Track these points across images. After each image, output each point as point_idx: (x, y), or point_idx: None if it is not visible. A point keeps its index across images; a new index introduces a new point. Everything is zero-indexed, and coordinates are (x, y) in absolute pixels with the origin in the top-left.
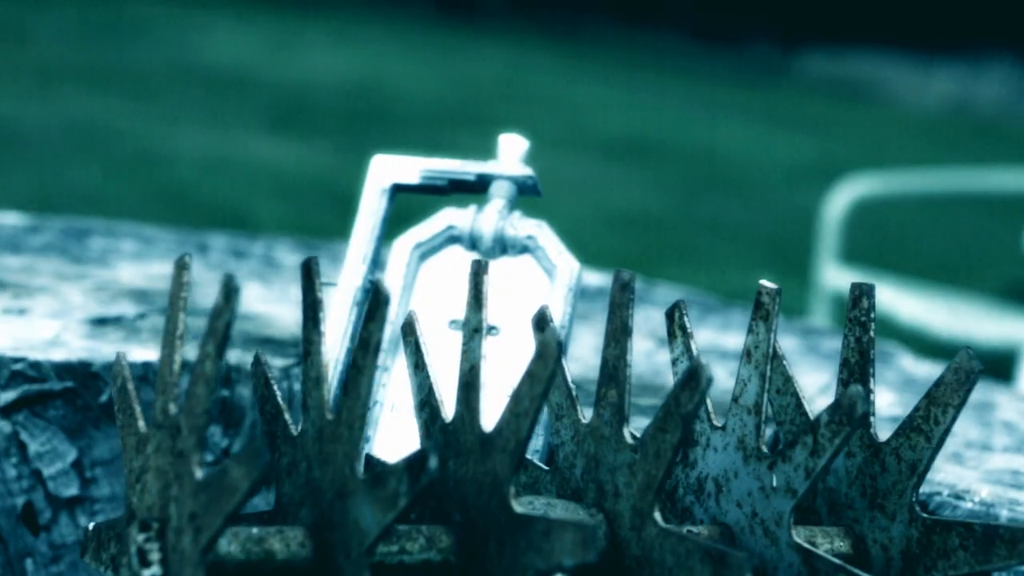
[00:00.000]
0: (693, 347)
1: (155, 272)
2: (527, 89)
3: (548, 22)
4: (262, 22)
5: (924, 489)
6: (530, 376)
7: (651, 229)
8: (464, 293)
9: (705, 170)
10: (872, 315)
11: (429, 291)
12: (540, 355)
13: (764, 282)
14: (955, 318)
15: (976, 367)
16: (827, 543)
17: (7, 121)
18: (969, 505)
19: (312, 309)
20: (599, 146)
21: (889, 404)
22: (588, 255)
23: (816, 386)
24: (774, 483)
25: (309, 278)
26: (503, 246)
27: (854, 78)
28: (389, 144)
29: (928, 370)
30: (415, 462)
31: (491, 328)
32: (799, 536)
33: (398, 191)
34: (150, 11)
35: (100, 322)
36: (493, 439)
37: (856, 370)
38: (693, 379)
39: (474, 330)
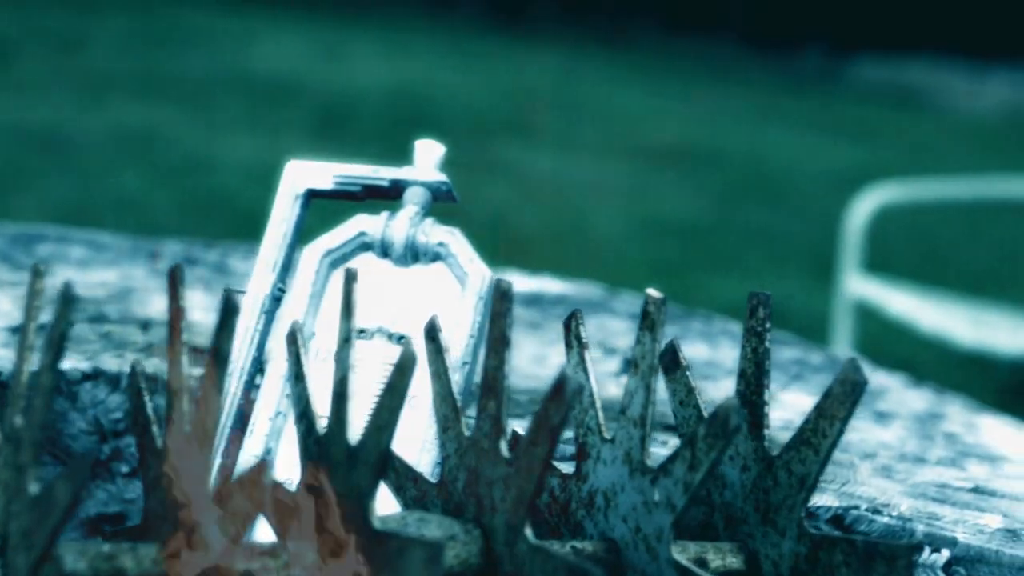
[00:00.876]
0: (587, 358)
1: (95, 280)
2: (575, 96)
3: (599, 29)
4: (311, 30)
5: (842, 503)
6: (390, 388)
7: (692, 237)
8: (374, 301)
9: (751, 178)
10: (767, 325)
11: (339, 299)
12: (399, 367)
13: (650, 291)
14: (978, 328)
15: (862, 379)
16: (719, 559)
17: (54, 128)
18: (886, 519)
19: (174, 319)
20: (645, 154)
21: None
22: (627, 263)
23: None
24: (656, 498)
25: (173, 286)
26: (415, 253)
27: (908, 84)
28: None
29: (881, 381)
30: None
31: (400, 337)
32: (686, 551)
33: (313, 197)
34: (201, 21)
35: (19, 330)
36: (358, 452)
37: (752, 381)
38: (559, 391)
39: (344, 340)
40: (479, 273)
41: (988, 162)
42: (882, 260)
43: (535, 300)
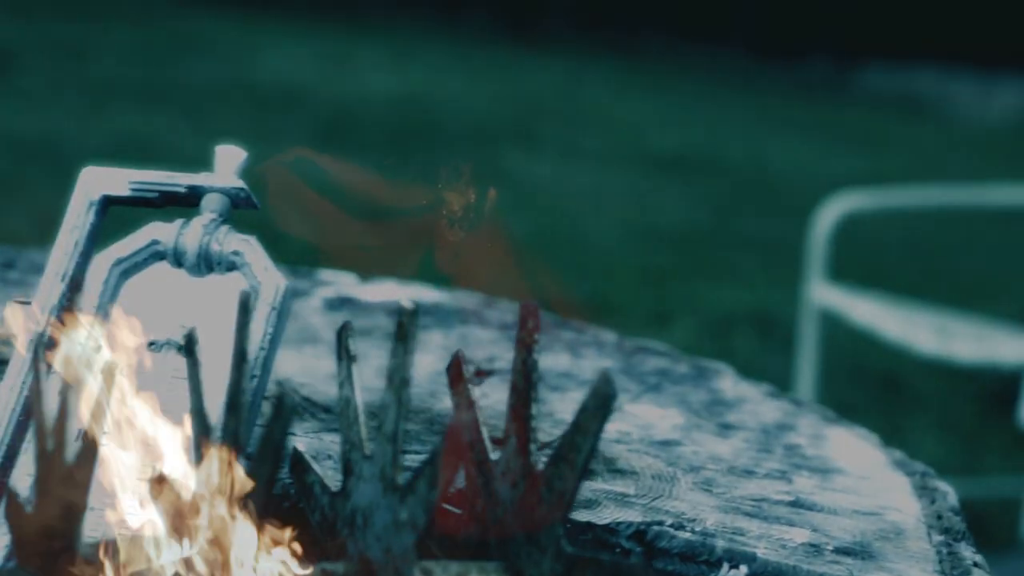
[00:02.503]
0: (355, 372)
1: None
2: (582, 106)
3: (610, 39)
4: (316, 39)
5: (647, 518)
6: (95, 404)
7: (686, 244)
8: (165, 312)
9: (753, 186)
10: (536, 336)
11: (130, 311)
12: (101, 382)
13: (403, 302)
14: (940, 337)
15: (612, 391)
16: None
17: (53, 137)
18: (687, 535)
19: None
20: (648, 162)
21: (673, 427)
22: (618, 270)
23: None
24: (403, 516)
25: None
26: (208, 262)
27: (915, 94)
28: (434, 161)
29: (744, 391)
30: None
31: None
32: (448, 571)
33: (110, 204)
34: (205, 29)
35: None
36: (72, 471)
37: (522, 395)
38: (279, 408)
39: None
40: (273, 282)
41: (994, 171)
42: (877, 268)
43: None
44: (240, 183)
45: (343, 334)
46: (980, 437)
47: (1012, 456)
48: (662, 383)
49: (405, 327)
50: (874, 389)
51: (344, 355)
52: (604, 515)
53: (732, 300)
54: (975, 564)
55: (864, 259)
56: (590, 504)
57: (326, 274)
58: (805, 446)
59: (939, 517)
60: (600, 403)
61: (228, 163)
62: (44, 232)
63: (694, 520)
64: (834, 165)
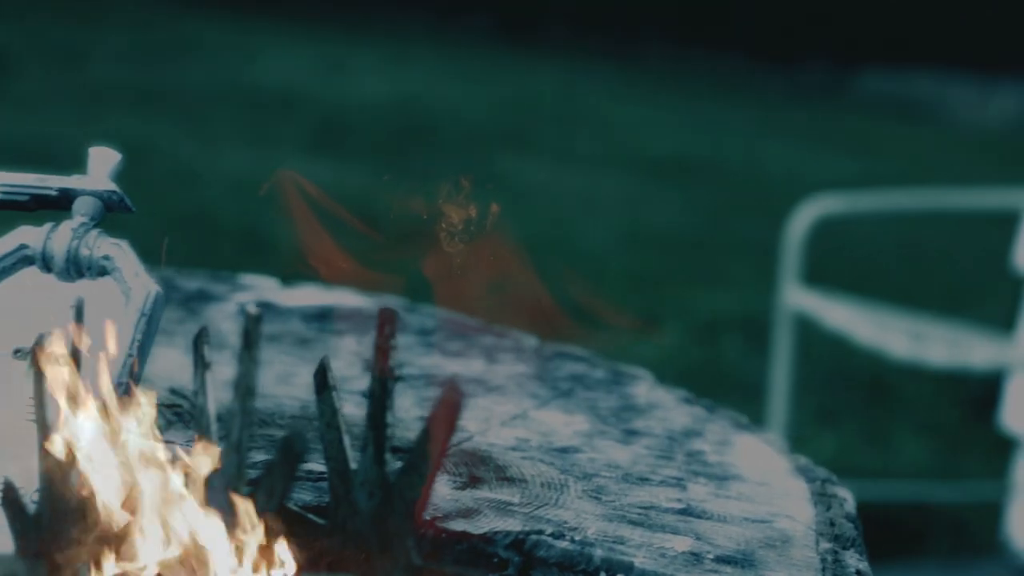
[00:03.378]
0: (208, 379)
1: None
2: (577, 111)
3: (608, 44)
4: (315, 44)
5: (527, 527)
6: None
7: (678, 249)
8: (35, 319)
9: (749, 190)
10: (393, 342)
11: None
12: None
13: (249, 308)
14: (913, 341)
15: (459, 400)
16: None
17: (44, 141)
18: (565, 544)
19: None
20: (643, 167)
21: (575, 434)
22: (607, 274)
23: (508, 414)
24: None
25: None
26: (78, 267)
27: (913, 97)
28: (428, 166)
29: (658, 397)
30: None
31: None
32: None
33: None
34: (203, 32)
35: None
36: None
37: (378, 402)
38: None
39: None
40: (143, 288)
41: (990, 175)
42: (861, 272)
43: (324, 315)
44: (113, 186)
45: (198, 341)
46: (962, 440)
47: (993, 460)
48: (575, 389)
49: (251, 334)
50: (857, 393)
51: (199, 363)
52: (483, 524)
53: (722, 304)
54: (857, 572)
55: (849, 263)
56: (470, 513)
57: (247, 278)
58: (708, 452)
59: (832, 524)
60: (448, 411)
61: (102, 165)
62: None
63: (575, 529)
64: (832, 170)
